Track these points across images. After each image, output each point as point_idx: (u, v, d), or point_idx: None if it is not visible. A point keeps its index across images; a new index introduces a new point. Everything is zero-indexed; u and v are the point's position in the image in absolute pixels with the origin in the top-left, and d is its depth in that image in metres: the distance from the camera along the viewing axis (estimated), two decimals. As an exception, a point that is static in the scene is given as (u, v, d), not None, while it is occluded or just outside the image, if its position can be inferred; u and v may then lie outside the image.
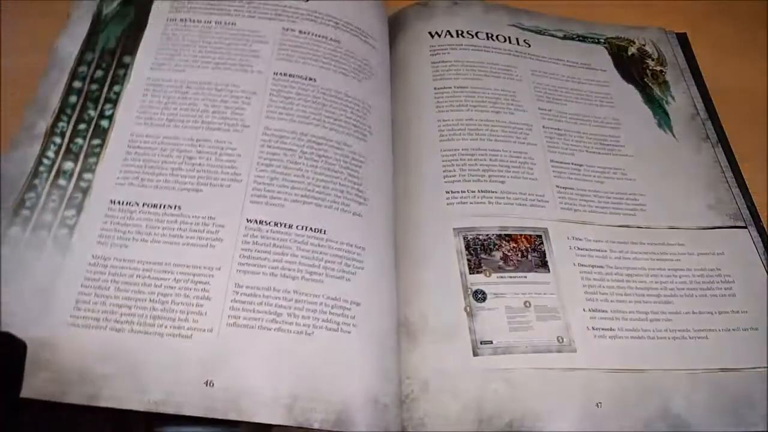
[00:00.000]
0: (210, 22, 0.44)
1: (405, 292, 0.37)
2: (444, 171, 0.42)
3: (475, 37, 0.51)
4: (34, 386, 0.29)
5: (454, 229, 0.40)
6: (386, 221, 0.39)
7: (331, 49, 0.44)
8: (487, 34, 0.51)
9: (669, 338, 0.38)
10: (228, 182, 0.37)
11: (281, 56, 0.43)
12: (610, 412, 0.35)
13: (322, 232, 0.36)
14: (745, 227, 0.44)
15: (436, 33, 0.50)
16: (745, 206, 0.45)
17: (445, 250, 0.39)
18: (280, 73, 0.42)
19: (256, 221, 0.36)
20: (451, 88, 0.47)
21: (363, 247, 0.37)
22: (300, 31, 0.45)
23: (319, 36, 0.45)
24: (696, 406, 0.36)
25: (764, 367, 0.38)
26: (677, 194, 0.45)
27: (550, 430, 0.34)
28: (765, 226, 0.44)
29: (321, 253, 0.36)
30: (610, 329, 0.38)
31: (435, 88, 0.47)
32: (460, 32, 0.51)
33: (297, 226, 0.36)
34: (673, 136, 0.48)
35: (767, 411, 0.36)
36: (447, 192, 0.41)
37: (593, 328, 0.38)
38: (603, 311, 0.39)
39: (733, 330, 0.39)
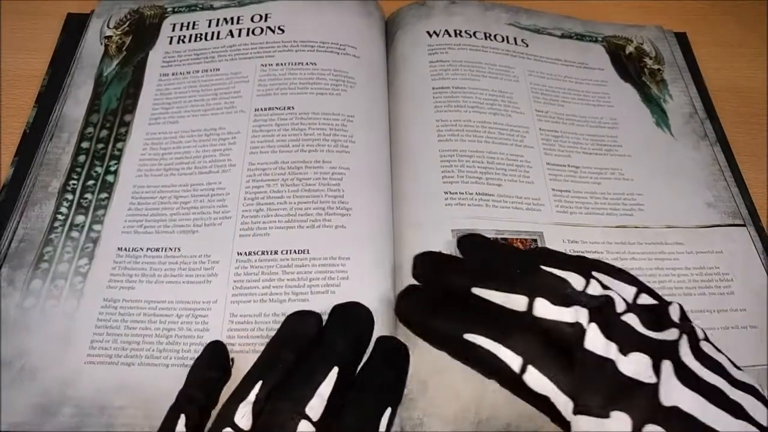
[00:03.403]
0: (198, 71, 0.50)
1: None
2: (442, 171, 0.45)
3: (473, 36, 0.53)
4: (60, 421, 0.34)
5: (452, 230, 0.42)
6: (375, 225, 0.42)
7: (308, 73, 0.49)
8: (485, 33, 0.54)
9: (667, 338, 0.40)
10: (219, 220, 0.42)
11: (261, 92, 0.48)
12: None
13: (306, 252, 0.41)
14: (744, 225, 0.46)
15: (434, 32, 0.53)
16: (744, 204, 0.47)
17: (442, 250, 0.41)
18: (261, 109, 0.47)
19: (245, 253, 0.41)
20: (449, 88, 0.50)
21: (347, 257, 0.40)
22: (277, 64, 0.50)
23: (296, 64, 0.50)
24: (694, 404, 0.38)
25: (763, 365, 0.39)
26: (675, 193, 0.47)
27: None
28: (764, 224, 0.46)
29: (305, 272, 0.40)
30: (608, 330, 0.40)
31: (433, 88, 0.50)
32: (458, 32, 0.54)
33: (282, 251, 0.41)
34: (671, 134, 0.50)
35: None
36: (445, 193, 0.44)
37: (591, 329, 0.40)
38: (601, 312, 0.41)
39: (732, 328, 0.41)
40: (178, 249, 0.41)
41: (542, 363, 0.30)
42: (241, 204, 0.43)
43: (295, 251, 0.41)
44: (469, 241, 0.39)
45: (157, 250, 0.41)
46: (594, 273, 0.33)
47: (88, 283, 0.39)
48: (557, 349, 0.30)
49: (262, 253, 0.41)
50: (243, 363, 0.36)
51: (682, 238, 0.44)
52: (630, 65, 0.54)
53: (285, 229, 0.42)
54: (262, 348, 0.36)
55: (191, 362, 0.36)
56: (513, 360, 0.30)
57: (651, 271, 0.43)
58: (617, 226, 0.45)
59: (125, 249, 0.41)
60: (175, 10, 0.53)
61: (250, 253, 0.41)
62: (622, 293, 0.32)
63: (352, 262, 0.40)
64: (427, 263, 0.37)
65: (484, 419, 0.35)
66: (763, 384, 0.37)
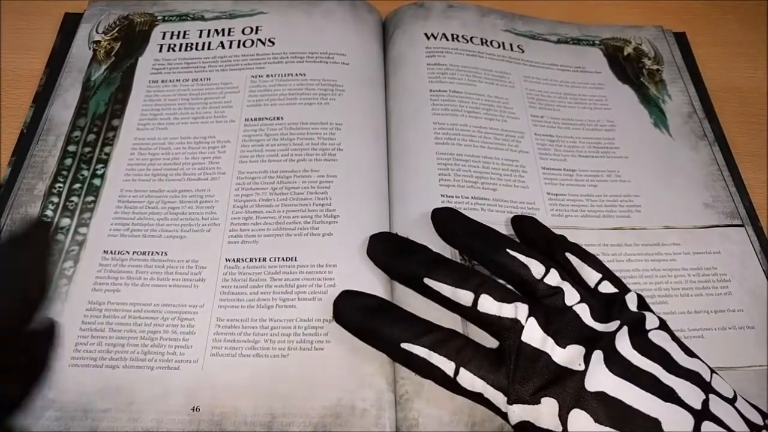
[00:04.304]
0: (188, 80, 0.51)
1: (398, 295, 0.40)
2: (439, 174, 0.46)
3: (469, 42, 0.54)
4: (42, 424, 0.35)
5: None
6: (365, 230, 0.42)
7: (297, 84, 0.50)
8: (481, 39, 0.55)
9: (664, 339, 0.40)
10: (208, 227, 0.43)
11: (251, 102, 0.49)
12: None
13: (294, 259, 0.42)
14: (742, 225, 0.46)
15: (432, 35, 0.54)
16: (742, 204, 0.47)
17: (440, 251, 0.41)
18: (250, 119, 0.49)
19: (233, 260, 0.42)
20: (446, 91, 0.51)
21: (334, 264, 0.41)
22: (267, 75, 0.51)
23: (285, 75, 0.51)
24: (692, 406, 0.38)
25: (760, 366, 0.39)
26: (673, 193, 0.47)
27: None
28: (763, 225, 0.46)
29: (293, 279, 0.41)
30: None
31: (431, 90, 0.50)
32: (455, 36, 0.55)
33: (270, 258, 0.42)
34: (669, 135, 0.51)
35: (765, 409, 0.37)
36: (442, 195, 0.45)
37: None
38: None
39: (729, 329, 0.41)
40: (165, 253, 0.42)
41: (473, 365, 0.33)
42: (230, 211, 0.44)
43: (283, 258, 0.42)
44: (443, 214, 0.41)
45: (144, 253, 0.42)
46: (567, 255, 0.37)
47: (73, 286, 0.40)
48: (486, 349, 0.33)
49: (251, 260, 0.42)
50: (229, 366, 0.37)
51: (679, 238, 0.45)
52: (628, 66, 0.55)
53: (273, 236, 0.43)
54: (249, 351, 0.38)
55: (176, 365, 0.37)
56: (447, 365, 0.33)
57: (648, 273, 0.43)
58: (614, 228, 0.45)
59: (111, 252, 0.42)
60: (166, 18, 0.55)
61: (238, 260, 0.42)
62: (587, 278, 0.36)
63: (340, 270, 0.41)
64: (381, 247, 0.40)
65: (478, 421, 0.36)
66: (762, 386, 0.38)
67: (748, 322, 0.41)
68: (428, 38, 0.54)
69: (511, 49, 0.55)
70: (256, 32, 0.54)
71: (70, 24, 0.54)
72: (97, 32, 0.53)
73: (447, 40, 0.54)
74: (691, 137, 0.50)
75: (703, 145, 0.50)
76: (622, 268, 0.43)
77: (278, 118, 0.48)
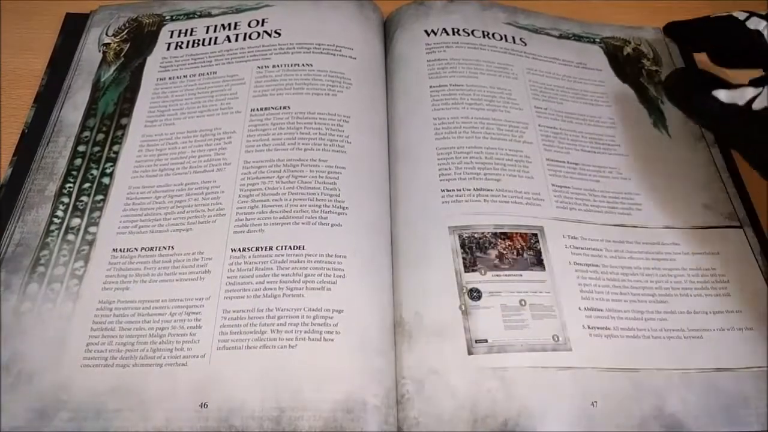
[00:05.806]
0: (194, 75, 0.50)
1: (400, 292, 0.40)
2: (440, 169, 0.45)
3: (471, 35, 0.54)
4: (55, 425, 0.35)
5: (449, 227, 0.42)
6: (372, 225, 0.42)
7: (304, 74, 0.50)
8: (483, 32, 0.54)
9: (664, 337, 0.40)
10: (214, 218, 0.42)
11: (257, 93, 0.49)
12: (605, 412, 0.37)
13: (301, 248, 0.41)
14: (741, 227, 0.45)
15: (432, 31, 0.53)
16: (741, 206, 0.46)
17: (440, 248, 0.41)
18: (257, 109, 0.48)
19: (239, 249, 0.41)
20: (447, 86, 0.50)
21: (344, 255, 0.40)
22: (273, 66, 0.50)
23: (292, 65, 0.50)
24: (690, 405, 0.37)
25: (759, 367, 0.39)
26: (673, 194, 0.47)
27: (545, 430, 0.36)
28: (763, 225, 0.46)
29: (300, 268, 0.40)
30: (606, 328, 0.40)
31: (431, 86, 0.50)
32: (456, 30, 0.54)
33: (276, 247, 0.41)
34: (669, 135, 0.50)
35: (766, 410, 0.37)
36: (442, 190, 0.44)
37: (589, 327, 0.40)
38: (598, 310, 0.40)
39: (728, 329, 0.41)
40: (172, 247, 0.41)
41: None
42: (236, 201, 0.43)
43: (290, 247, 0.41)
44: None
45: (151, 249, 0.41)
46: None
47: (83, 286, 0.40)
48: None
49: (257, 249, 0.41)
50: (236, 359, 0.37)
51: (678, 238, 0.44)
52: (628, 66, 0.54)
53: (280, 225, 0.42)
54: (255, 344, 0.37)
55: (184, 361, 0.37)
56: None
57: (648, 271, 0.43)
58: (615, 225, 0.45)
59: (120, 250, 0.41)
60: (174, 17, 0.54)
61: (244, 249, 0.41)
62: None
63: (349, 261, 0.40)
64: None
65: (480, 418, 0.36)
66: (762, 388, 0.38)
67: (747, 323, 0.41)
68: (428, 35, 0.53)
69: (514, 42, 0.54)
70: (262, 24, 0.53)
71: (72, 24, 0.53)
72: (107, 35, 0.52)
73: (447, 34, 0.53)
74: (690, 138, 0.50)
75: (701, 146, 0.49)
76: (624, 264, 0.43)
77: (285, 108, 0.47)
